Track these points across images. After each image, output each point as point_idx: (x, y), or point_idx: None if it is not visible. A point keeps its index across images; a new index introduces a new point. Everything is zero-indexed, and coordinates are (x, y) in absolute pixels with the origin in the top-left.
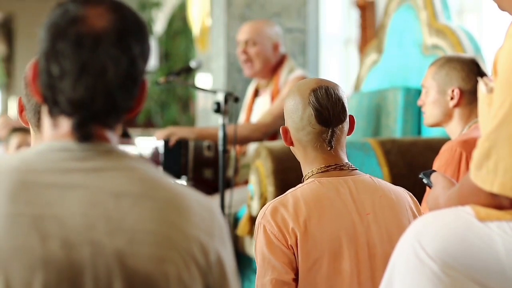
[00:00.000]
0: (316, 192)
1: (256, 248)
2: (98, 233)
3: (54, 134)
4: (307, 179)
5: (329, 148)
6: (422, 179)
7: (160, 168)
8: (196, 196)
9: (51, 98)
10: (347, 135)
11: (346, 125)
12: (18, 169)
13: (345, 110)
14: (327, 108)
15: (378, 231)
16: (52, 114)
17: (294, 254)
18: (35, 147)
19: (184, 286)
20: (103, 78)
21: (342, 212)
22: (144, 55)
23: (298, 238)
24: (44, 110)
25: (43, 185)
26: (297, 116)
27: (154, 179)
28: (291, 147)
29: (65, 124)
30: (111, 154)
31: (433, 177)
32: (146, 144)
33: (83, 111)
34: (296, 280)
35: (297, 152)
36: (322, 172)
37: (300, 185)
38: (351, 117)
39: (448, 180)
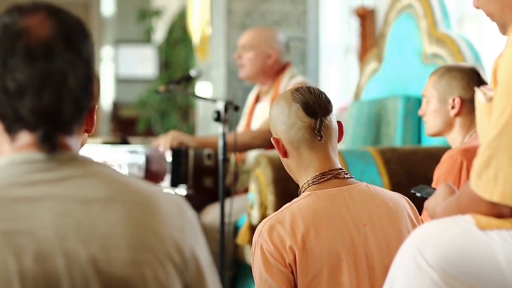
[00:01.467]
0: (313, 206)
1: (253, 266)
2: (71, 242)
3: (12, 147)
4: (303, 191)
5: (319, 138)
6: (415, 193)
7: (159, 176)
8: (164, 195)
9: (12, 115)
10: (338, 141)
11: (334, 120)
12: None
13: (330, 102)
14: (312, 99)
15: (376, 242)
16: (11, 131)
17: (293, 272)
18: None
19: (162, 287)
20: (65, 85)
21: (339, 225)
22: (92, 52)
23: (296, 255)
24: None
25: (10, 200)
26: (285, 115)
27: (121, 182)
28: (284, 160)
29: (24, 137)
30: (75, 162)
31: (439, 188)
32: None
33: (50, 121)
34: None
35: (291, 160)
36: (318, 183)
37: (296, 199)
38: (339, 123)
39: (448, 188)
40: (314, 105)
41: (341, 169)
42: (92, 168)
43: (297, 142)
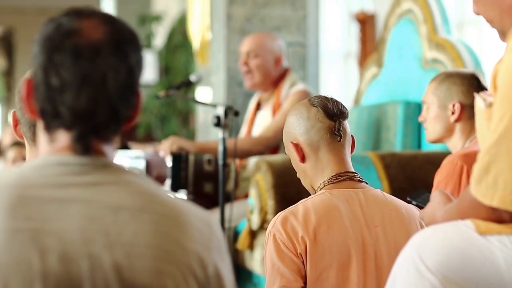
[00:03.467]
0: (327, 202)
1: (266, 256)
2: (96, 247)
3: (50, 148)
4: (319, 190)
5: (339, 139)
6: (410, 202)
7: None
8: (194, 210)
9: (51, 111)
10: (350, 152)
11: (349, 126)
12: (16, 185)
13: (346, 108)
14: (330, 104)
15: (386, 244)
16: (50, 128)
17: (303, 263)
18: (32, 162)
19: None
20: (104, 87)
21: (351, 223)
22: (139, 64)
23: (307, 246)
24: (40, 126)
25: (41, 199)
26: (304, 119)
27: (151, 193)
28: (301, 166)
29: (63, 138)
30: (108, 168)
31: (433, 194)
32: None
33: (85, 122)
34: None
35: (309, 164)
36: (333, 183)
37: (311, 196)
38: (352, 136)
39: (444, 195)
40: (333, 108)
41: (356, 172)
42: (125, 177)
43: (316, 143)
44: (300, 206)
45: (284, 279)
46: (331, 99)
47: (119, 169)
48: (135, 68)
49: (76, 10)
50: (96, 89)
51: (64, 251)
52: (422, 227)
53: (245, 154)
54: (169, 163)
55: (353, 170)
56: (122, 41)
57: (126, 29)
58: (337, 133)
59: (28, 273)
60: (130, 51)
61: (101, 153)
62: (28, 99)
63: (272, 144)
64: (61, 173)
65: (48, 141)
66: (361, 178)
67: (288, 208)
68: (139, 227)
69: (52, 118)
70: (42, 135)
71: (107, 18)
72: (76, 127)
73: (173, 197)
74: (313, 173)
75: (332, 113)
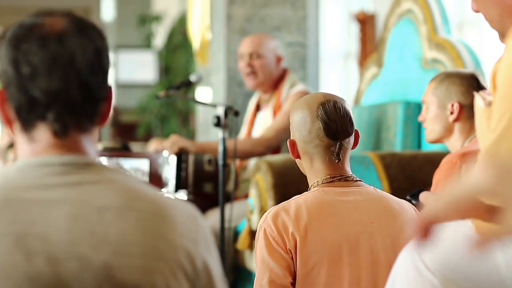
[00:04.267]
0: (319, 199)
1: (256, 250)
2: (83, 247)
3: (31, 149)
4: (312, 188)
5: (337, 161)
6: (410, 200)
7: (159, 182)
8: (178, 204)
9: (26, 101)
10: (352, 149)
11: (352, 138)
12: (0, 187)
13: (352, 124)
14: (335, 122)
15: (382, 239)
16: (28, 124)
17: (293, 258)
18: (14, 164)
19: None
20: (73, 66)
21: (344, 220)
22: (106, 51)
23: (297, 242)
24: (17, 128)
25: (25, 202)
26: (305, 129)
27: (136, 190)
28: (297, 160)
29: (42, 136)
30: (90, 167)
31: (422, 196)
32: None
33: (60, 102)
34: (293, 284)
35: (304, 164)
36: (327, 182)
37: (304, 193)
38: (356, 131)
39: (438, 196)
40: (337, 128)
41: (351, 175)
42: (108, 174)
43: (312, 155)
44: (292, 202)
45: (273, 274)
46: (340, 112)
47: (102, 167)
48: (103, 51)
49: (37, 11)
50: (66, 69)
51: (51, 253)
52: None
53: (246, 155)
54: (172, 163)
55: (349, 173)
56: (85, 27)
57: (88, 21)
58: (335, 156)
59: (16, 276)
60: (95, 35)
61: (82, 151)
62: (2, 108)
63: (273, 145)
64: (44, 174)
65: (27, 141)
66: (355, 178)
67: (281, 203)
68: (126, 225)
69: (28, 112)
70: (20, 137)
71: (68, 14)
72: (52, 109)
73: (157, 193)
74: (307, 170)
75: (335, 133)
